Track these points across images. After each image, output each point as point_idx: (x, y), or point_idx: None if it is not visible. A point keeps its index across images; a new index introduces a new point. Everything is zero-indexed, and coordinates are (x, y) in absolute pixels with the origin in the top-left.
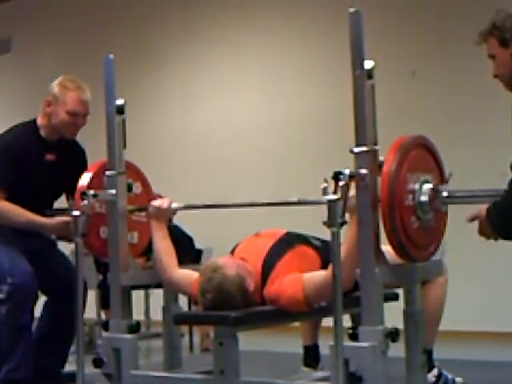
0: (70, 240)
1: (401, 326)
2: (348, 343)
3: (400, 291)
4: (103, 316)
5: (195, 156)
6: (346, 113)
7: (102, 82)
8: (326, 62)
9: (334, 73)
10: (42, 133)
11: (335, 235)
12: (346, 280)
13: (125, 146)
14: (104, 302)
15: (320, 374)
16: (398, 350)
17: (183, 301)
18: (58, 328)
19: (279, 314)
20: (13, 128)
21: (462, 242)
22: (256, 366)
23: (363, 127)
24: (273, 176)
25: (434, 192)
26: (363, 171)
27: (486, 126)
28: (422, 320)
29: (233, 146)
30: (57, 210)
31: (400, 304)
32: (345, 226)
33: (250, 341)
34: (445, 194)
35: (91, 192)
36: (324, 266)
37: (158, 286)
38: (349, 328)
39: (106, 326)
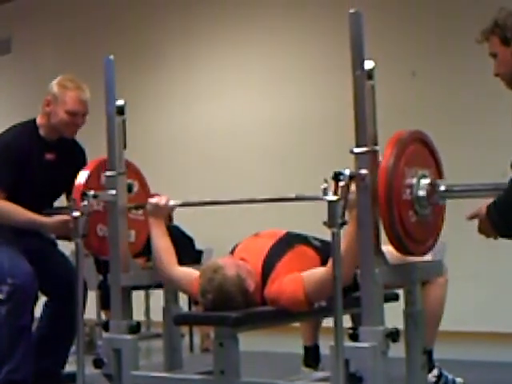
0: (69, 239)
1: (401, 327)
2: (348, 343)
3: (400, 291)
4: (103, 316)
5: (195, 156)
6: (346, 113)
7: (102, 82)
8: (326, 62)
9: (335, 73)
10: (42, 132)
11: (335, 235)
12: (346, 275)
13: (125, 147)
14: (104, 303)
15: (320, 374)
16: (398, 350)
17: (183, 301)
18: (57, 328)
19: (279, 315)
20: (12, 128)
21: (461, 242)
22: (256, 367)
23: (363, 127)
24: (273, 176)
25: (432, 186)
26: (363, 171)
27: (486, 125)
28: (422, 320)
29: (233, 146)
30: (56, 208)
31: (400, 304)
32: (345, 226)
33: (250, 341)
34: (442, 188)
35: (91, 192)
36: (324, 266)
37: (159, 286)
38: (349, 328)
39: (106, 326)
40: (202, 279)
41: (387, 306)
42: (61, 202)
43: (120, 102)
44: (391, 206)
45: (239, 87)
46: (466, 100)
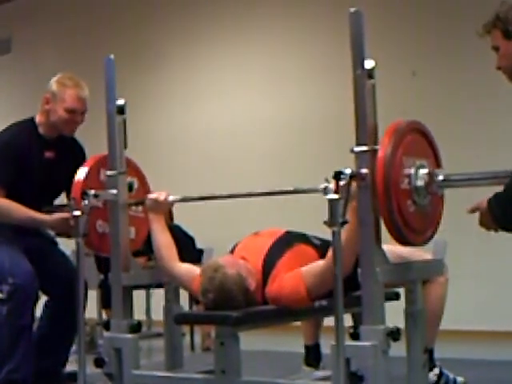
0: (69, 236)
1: (402, 326)
2: (349, 342)
3: (401, 290)
4: (104, 316)
5: (195, 156)
6: (347, 113)
7: (103, 82)
8: (326, 61)
9: (335, 73)
10: (41, 130)
11: (336, 234)
12: (345, 265)
13: (125, 146)
14: (105, 302)
15: (321, 373)
16: (399, 349)
17: (184, 300)
18: (58, 328)
19: (280, 314)
20: (11, 126)
21: (462, 241)
22: (257, 366)
23: (364, 127)
24: (273, 176)
25: (430, 176)
26: (364, 171)
27: (486, 125)
28: (423, 319)
29: (233, 146)
30: (56, 206)
31: (401, 303)
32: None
33: (251, 340)
34: (441, 177)
35: (92, 192)
36: None
37: (159, 285)
38: (350, 327)
39: (107, 325)
40: (203, 278)
41: (388, 304)
42: (61, 200)
43: (120, 102)
44: (389, 195)
45: (239, 87)
46: (466, 99)
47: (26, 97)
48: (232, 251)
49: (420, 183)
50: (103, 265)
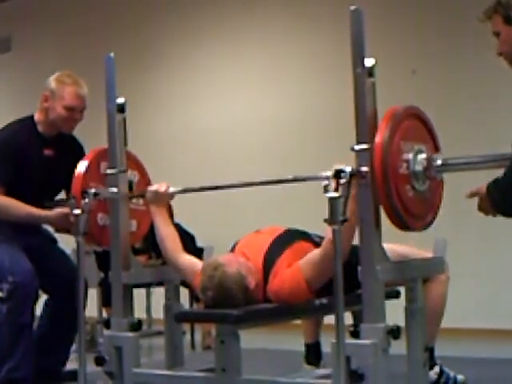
0: (69, 232)
1: (402, 324)
2: (349, 341)
3: (402, 288)
4: (104, 314)
5: (195, 155)
6: (347, 111)
7: (103, 80)
8: (326, 60)
9: (335, 71)
10: (40, 128)
11: (336, 233)
12: (343, 250)
13: (126, 144)
14: (105, 300)
15: (322, 371)
16: (399, 347)
17: (185, 299)
18: (58, 326)
19: (281, 312)
20: (10, 124)
21: (462, 239)
22: (257, 364)
23: (364, 125)
24: (273, 174)
25: (429, 161)
26: (364, 169)
27: (486, 124)
28: (423, 317)
29: (233, 145)
30: (56, 202)
31: (401, 301)
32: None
33: (251, 339)
34: (439, 162)
35: (92, 190)
36: None
37: (160, 284)
38: (350, 325)
39: (107, 324)
40: (203, 276)
41: (388, 303)
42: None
43: (120, 100)
44: (388, 181)
45: (239, 86)
46: (466, 98)
47: (26, 95)
48: (233, 249)
49: (418, 168)
50: (104, 263)
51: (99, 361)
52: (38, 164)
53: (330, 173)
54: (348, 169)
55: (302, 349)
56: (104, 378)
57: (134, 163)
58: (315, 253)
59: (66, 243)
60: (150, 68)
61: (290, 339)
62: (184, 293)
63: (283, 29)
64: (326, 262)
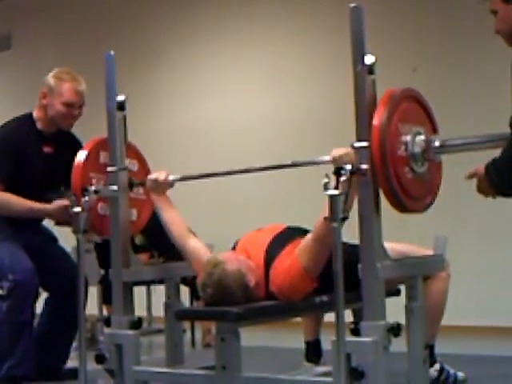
0: (69, 224)
1: (403, 321)
2: (350, 338)
3: (402, 286)
4: (105, 312)
5: (195, 153)
6: (347, 110)
7: (103, 79)
8: (326, 59)
9: (335, 70)
10: (39, 125)
11: (337, 230)
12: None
13: (126, 142)
14: (105, 298)
15: (322, 369)
16: (399, 345)
17: (185, 297)
18: (58, 324)
19: (281, 309)
20: (9, 122)
21: (462, 236)
22: (258, 362)
23: (364, 122)
24: (274, 173)
25: (427, 143)
26: (364, 166)
27: (486, 123)
28: (423, 315)
29: (233, 144)
30: (55, 195)
31: (402, 299)
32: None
33: (251, 336)
34: (437, 143)
35: (92, 188)
36: None
37: (160, 281)
38: (350, 323)
39: (107, 322)
40: (203, 273)
41: (389, 300)
42: None
43: (120, 98)
44: (386, 163)
45: (239, 85)
46: (466, 97)
47: (26, 93)
48: (234, 247)
49: (417, 150)
50: (104, 256)
51: (99, 359)
52: (38, 161)
53: (328, 157)
54: (348, 166)
55: (302, 346)
56: (104, 375)
57: (134, 152)
58: (308, 238)
59: (66, 241)
60: (150, 66)
61: (290, 337)
62: (184, 291)
63: (283, 28)
64: (319, 244)
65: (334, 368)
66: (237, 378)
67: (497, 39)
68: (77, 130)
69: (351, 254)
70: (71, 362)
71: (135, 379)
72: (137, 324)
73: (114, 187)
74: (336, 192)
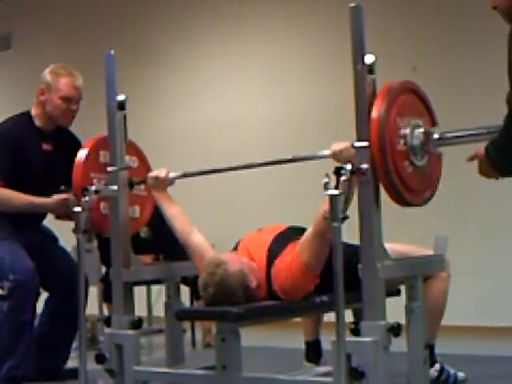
0: (69, 218)
1: (403, 321)
2: (350, 338)
3: (402, 286)
4: (105, 311)
5: (195, 153)
6: (347, 108)
7: (103, 78)
8: (327, 59)
9: (335, 69)
10: (37, 122)
11: (337, 230)
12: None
13: (126, 142)
14: (107, 296)
15: (322, 369)
16: (400, 344)
17: (185, 297)
18: (59, 324)
19: (281, 309)
20: (7, 120)
21: (462, 236)
22: (258, 362)
23: (364, 122)
24: (274, 173)
25: (426, 135)
26: (365, 166)
27: (487, 122)
28: (423, 315)
29: (233, 145)
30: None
31: (402, 299)
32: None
33: (252, 336)
34: (436, 136)
35: (93, 188)
36: None
37: (160, 281)
38: (351, 323)
39: (108, 321)
40: (204, 273)
41: (389, 300)
42: None
43: (121, 98)
44: (385, 157)
45: (239, 84)
46: (466, 96)
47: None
48: (235, 248)
49: (416, 142)
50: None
51: (100, 359)
52: (37, 158)
53: (327, 152)
54: (348, 166)
55: (303, 346)
56: (105, 375)
57: (133, 149)
58: (307, 234)
59: (67, 241)
60: (150, 66)
61: (291, 337)
62: (184, 290)
63: (283, 28)
64: (319, 240)
65: (334, 368)
66: (237, 378)
67: (497, 39)
68: (77, 129)
69: (351, 254)
70: (71, 362)
71: (135, 379)
72: (137, 324)
73: (114, 187)
74: (336, 192)
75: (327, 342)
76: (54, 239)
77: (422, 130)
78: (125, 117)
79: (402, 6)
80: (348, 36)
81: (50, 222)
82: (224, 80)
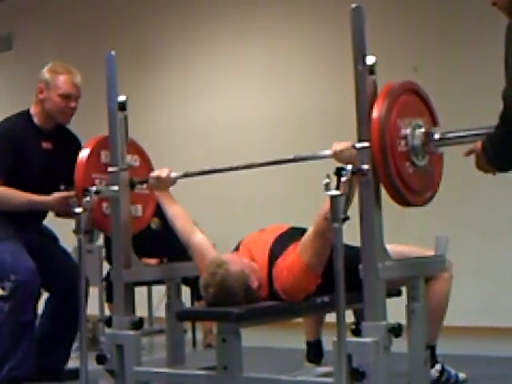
0: (69, 216)
1: (404, 322)
2: (351, 339)
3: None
4: (107, 310)
5: (196, 153)
6: (348, 109)
7: (104, 79)
8: (326, 59)
9: (335, 69)
10: (36, 121)
11: (338, 231)
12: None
13: (127, 142)
14: (109, 296)
15: (323, 369)
16: (400, 345)
17: (186, 297)
18: (59, 325)
19: (282, 310)
20: (6, 119)
21: (462, 237)
22: (259, 362)
23: (365, 123)
24: (274, 173)
25: (427, 136)
26: (365, 167)
27: (487, 123)
28: (424, 315)
29: (234, 145)
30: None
31: (403, 299)
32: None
33: (252, 337)
34: (437, 136)
35: (94, 188)
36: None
37: (161, 282)
38: (352, 323)
39: (109, 322)
40: (206, 273)
41: (390, 301)
42: None
43: (121, 98)
44: (386, 158)
45: (239, 84)
46: (467, 97)
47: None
48: (237, 248)
49: (417, 143)
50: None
51: (101, 359)
52: (37, 157)
53: (328, 152)
54: (349, 167)
55: (304, 347)
56: (105, 376)
57: (135, 148)
58: (308, 233)
59: (67, 242)
60: (150, 66)
61: (292, 337)
62: (185, 290)
63: (284, 28)
64: (320, 239)
65: (335, 368)
66: (238, 379)
67: (497, 39)
68: (78, 130)
69: (352, 255)
70: (72, 363)
71: (136, 380)
72: (138, 324)
73: (115, 187)
74: (337, 192)
75: (328, 342)
76: (55, 239)
77: (422, 130)
78: (126, 117)
79: (402, 7)
80: (348, 36)
81: (50, 221)
82: (224, 80)
